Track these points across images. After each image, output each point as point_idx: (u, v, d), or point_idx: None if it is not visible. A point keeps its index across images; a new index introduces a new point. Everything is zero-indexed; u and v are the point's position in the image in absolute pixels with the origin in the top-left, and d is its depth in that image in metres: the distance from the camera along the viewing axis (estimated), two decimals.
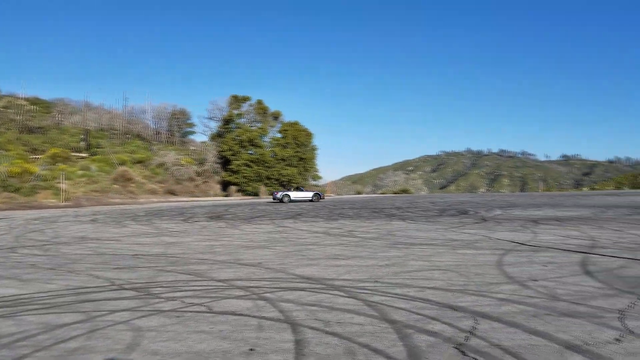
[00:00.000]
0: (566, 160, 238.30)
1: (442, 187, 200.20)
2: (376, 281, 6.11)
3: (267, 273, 6.86)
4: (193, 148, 59.99)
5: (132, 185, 43.34)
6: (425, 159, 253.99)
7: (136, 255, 9.00)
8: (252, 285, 6.02)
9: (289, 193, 34.92)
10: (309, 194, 35.35)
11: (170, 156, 51.50)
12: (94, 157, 46.13)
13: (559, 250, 8.50)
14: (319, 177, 62.15)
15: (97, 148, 48.51)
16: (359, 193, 69.28)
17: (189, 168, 51.54)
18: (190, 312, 4.80)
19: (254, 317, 4.54)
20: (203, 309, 4.91)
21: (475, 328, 4.04)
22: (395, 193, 60.93)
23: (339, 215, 19.07)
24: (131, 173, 44.58)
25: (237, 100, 58.62)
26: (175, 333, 4.11)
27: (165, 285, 6.11)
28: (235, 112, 57.94)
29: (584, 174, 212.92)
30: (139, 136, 58.51)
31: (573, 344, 3.61)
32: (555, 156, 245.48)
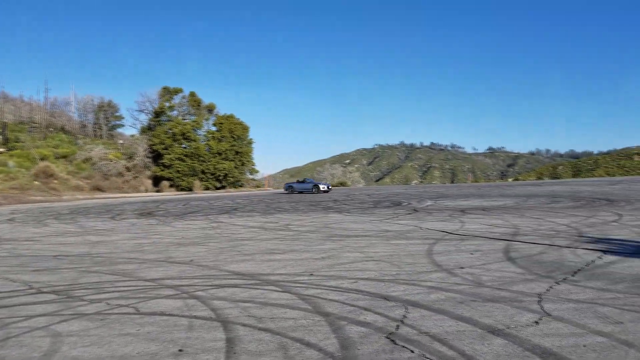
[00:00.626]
0: (492, 152, 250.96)
1: (378, 180, 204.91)
2: (311, 274, 6.12)
3: (199, 270, 6.69)
4: (122, 142, 57.39)
5: (55, 181, 40.84)
6: (362, 152, 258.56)
7: (57, 256, 8.48)
8: (182, 283, 5.83)
9: (293, 185, 37.49)
10: (309, 185, 36.67)
11: (97, 150, 49.00)
12: (12, 152, 43.01)
13: (485, 238, 8.91)
14: (256, 171, 61.62)
15: (16, 142, 45.28)
16: None
17: (118, 163, 49.31)
18: (116, 314, 4.57)
19: (184, 316, 4.40)
20: (130, 310, 4.69)
21: (406, 317, 4.14)
22: (333, 186, 61.56)
23: (276, 210, 18.98)
24: (54, 169, 41.97)
25: (168, 92, 56.63)
26: (98, 337, 3.89)
27: (88, 287, 5.79)
28: (167, 104, 55.99)
29: (508, 166, 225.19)
30: (63, 129, 55.19)
31: (496, 327, 3.78)
32: (482, 149, 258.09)
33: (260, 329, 3.96)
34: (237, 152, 56.38)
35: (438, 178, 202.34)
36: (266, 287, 5.47)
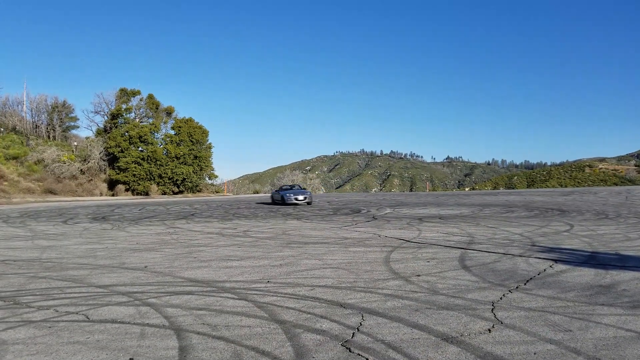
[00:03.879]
0: (450, 162, 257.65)
1: (338, 187, 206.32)
2: (268, 281, 6.08)
3: (153, 277, 6.53)
4: (76, 144, 55.41)
5: (5, 183, 39.01)
6: (322, 159, 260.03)
7: (5, 260, 8.10)
8: (135, 290, 5.68)
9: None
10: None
11: (50, 152, 47.12)
12: None
13: (441, 246, 9.10)
14: (215, 176, 60.58)
15: None
16: (256, 192, 68.90)
17: (72, 165, 47.58)
18: (65, 321, 4.41)
19: (136, 324, 4.28)
20: (79, 317, 4.54)
21: (362, 324, 4.17)
22: None
23: (234, 215, 18.78)
24: (4, 170, 40.12)
25: (125, 94, 55.14)
26: (45, 345, 3.74)
27: (37, 293, 5.56)
28: (124, 106, 54.44)
29: (465, 175, 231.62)
30: (14, 130, 52.96)
31: (450, 335, 3.86)
32: (440, 158, 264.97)
33: (214, 337, 3.90)
34: (195, 157, 55.37)
35: (397, 186, 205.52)
36: (222, 295, 5.39)
